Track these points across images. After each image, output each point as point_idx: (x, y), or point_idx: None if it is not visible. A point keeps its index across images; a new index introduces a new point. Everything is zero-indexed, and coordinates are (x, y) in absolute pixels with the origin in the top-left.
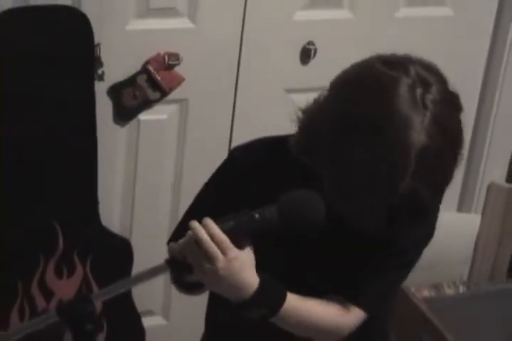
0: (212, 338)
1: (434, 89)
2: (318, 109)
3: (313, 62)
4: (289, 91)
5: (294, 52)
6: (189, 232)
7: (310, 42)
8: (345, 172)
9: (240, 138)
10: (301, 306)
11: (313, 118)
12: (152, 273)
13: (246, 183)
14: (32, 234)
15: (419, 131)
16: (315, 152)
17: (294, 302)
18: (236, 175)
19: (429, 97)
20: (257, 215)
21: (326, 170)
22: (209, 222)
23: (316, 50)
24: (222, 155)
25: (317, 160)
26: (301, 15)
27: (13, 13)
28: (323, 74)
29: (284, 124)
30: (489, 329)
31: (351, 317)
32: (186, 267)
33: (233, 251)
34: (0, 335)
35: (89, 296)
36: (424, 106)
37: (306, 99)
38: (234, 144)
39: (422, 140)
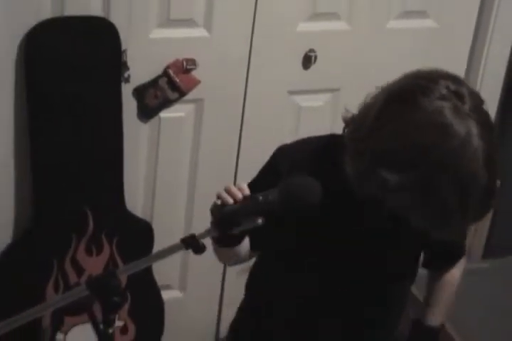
0: (257, 318)
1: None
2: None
3: (313, 67)
4: (292, 93)
5: (297, 58)
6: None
7: (311, 50)
8: (439, 205)
9: (249, 134)
10: (438, 307)
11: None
12: (169, 251)
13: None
14: (66, 218)
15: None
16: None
17: (433, 313)
18: (274, 172)
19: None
20: (260, 197)
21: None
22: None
23: (316, 57)
24: (233, 148)
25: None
26: (304, 26)
27: (50, 22)
28: (322, 78)
29: (286, 122)
30: (466, 304)
31: (456, 276)
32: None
33: None
34: (38, 306)
35: (115, 272)
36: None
37: (307, 99)
38: (243, 139)
39: (480, 145)
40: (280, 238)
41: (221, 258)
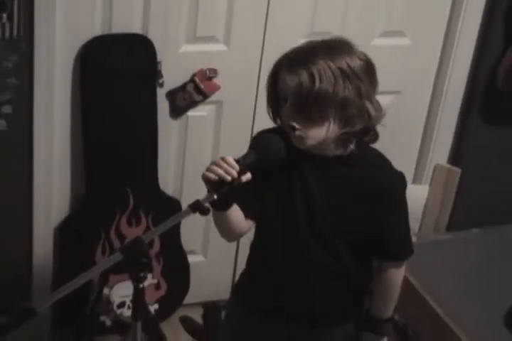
0: (250, 275)
1: None
2: None
3: None
4: None
5: None
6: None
7: None
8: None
9: (259, 128)
10: (386, 307)
11: None
12: (180, 216)
13: None
14: (112, 196)
15: None
16: None
17: (385, 313)
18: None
19: None
20: (240, 158)
21: None
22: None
23: None
24: (246, 140)
25: None
26: (304, 41)
27: (100, 38)
28: None
29: None
30: (434, 270)
31: (401, 274)
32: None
33: None
34: (89, 270)
35: (141, 238)
36: None
37: None
38: (254, 133)
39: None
40: (256, 204)
41: (220, 232)
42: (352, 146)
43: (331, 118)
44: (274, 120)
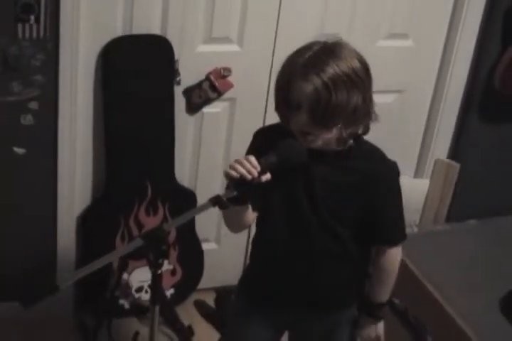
0: (255, 268)
1: None
2: None
3: None
4: None
5: None
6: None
7: None
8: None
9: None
10: (382, 292)
11: None
12: (200, 208)
13: (262, 148)
14: (132, 188)
15: None
16: None
17: (379, 296)
18: (256, 144)
19: None
20: (262, 159)
21: None
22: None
23: None
24: None
25: None
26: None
27: (121, 39)
28: None
29: None
30: (434, 258)
31: (398, 258)
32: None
33: None
34: (109, 254)
35: (162, 226)
36: None
37: None
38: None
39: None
40: (262, 196)
41: (229, 224)
42: (351, 141)
43: (341, 123)
44: (283, 122)
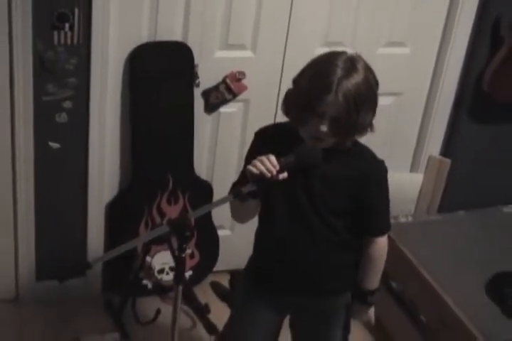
0: (259, 259)
1: None
2: None
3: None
4: None
5: None
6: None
7: None
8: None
9: None
10: (372, 280)
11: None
12: (222, 200)
13: (264, 147)
14: (155, 179)
15: None
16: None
17: (371, 285)
18: (257, 143)
19: None
20: (282, 159)
21: None
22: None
23: None
24: None
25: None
26: (320, 49)
27: (146, 45)
28: None
29: None
30: (426, 245)
31: (385, 246)
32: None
33: None
34: (135, 239)
35: (187, 215)
36: None
37: None
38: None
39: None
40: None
41: (236, 215)
42: (349, 143)
43: (353, 135)
44: (295, 123)
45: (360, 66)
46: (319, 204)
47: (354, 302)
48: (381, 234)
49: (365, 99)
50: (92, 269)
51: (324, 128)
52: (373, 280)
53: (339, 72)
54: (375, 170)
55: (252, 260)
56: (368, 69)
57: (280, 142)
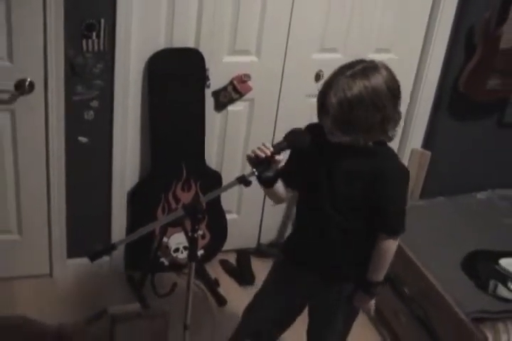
0: (290, 236)
1: None
2: None
3: (321, 80)
4: (308, 96)
5: (311, 75)
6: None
7: (320, 70)
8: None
9: (281, 119)
10: (378, 273)
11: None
12: (229, 186)
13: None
14: (171, 169)
15: None
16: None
17: (375, 276)
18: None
19: None
20: (275, 144)
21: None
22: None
23: (323, 74)
24: (270, 128)
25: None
26: (316, 55)
27: (163, 51)
28: None
29: (305, 114)
30: (409, 227)
31: (394, 244)
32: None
33: None
34: (152, 223)
35: (199, 199)
36: None
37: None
38: (277, 123)
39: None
40: (294, 177)
41: (269, 198)
42: (363, 142)
43: (357, 134)
44: (318, 118)
45: (373, 73)
46: (337, 195)
47: (358, 291)
48: (392, 233)
49: (362, 102)
50: (116, 250)
51: (328, 121)
52: (377, 273)
53: (347, 74)
54: (390, 170)
55: (288, 237)
56: (385, 79)
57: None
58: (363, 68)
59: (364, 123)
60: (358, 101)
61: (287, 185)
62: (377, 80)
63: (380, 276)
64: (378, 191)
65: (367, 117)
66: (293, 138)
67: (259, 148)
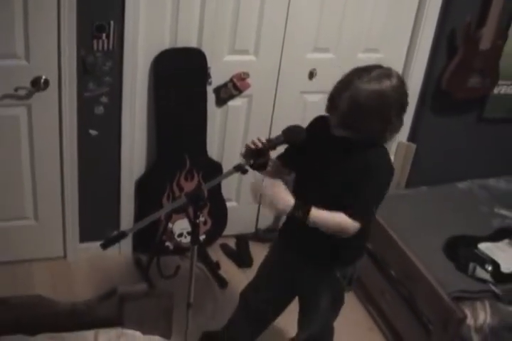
0: (284, 229)
1: None
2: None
3: (314, 78)
4: (303, 92)
5: (305, 73)
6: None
7: (313, 69)
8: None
9: (277, 114)
10: (322, 214)
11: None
12: (227, 174)
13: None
14: (175, 160)
15: None
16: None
17: (316, 212)
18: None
19: None
20: (272, 138)
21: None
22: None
23: (316, 72)
24: (267, 121)
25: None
26: (310, 55)
27: (168, 51)
28: (319, 85)
29: (299, 110)
30: (397, 214)
31: (353, 224)
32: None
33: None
34: (159, 211)
35: (201, 187)
36: None
37: (311, 97)
38: (274, 118)
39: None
40: (294, 160)
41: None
42: (359, 138)
43: (357, 134)
44: (327, 111)
45: (386, 80)
46: (326, 184)
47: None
48: (351, 215)
49: (371, 110)
50: (127, 237)
51: (334, 116)
52: (320, 219)
53: (364, 78)
54: (374, 165)
55: (283, 222)
56: (394, 87)
57: (314, 130)
58: (378, 75)
59: (367, 127)
60: (367, 109)
61: (285, 164)
62: (390, 90)
63: (317, 219)
64: (359, 182)
65: (371, 123)
66: (290, 134)
67: (252, 141)
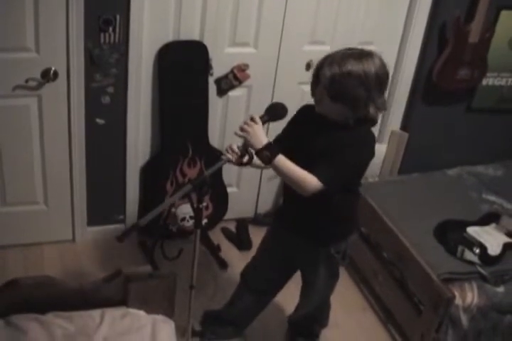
0: (281, 208)
1: None
2: None
3: (311, 70)
4: (300, 83)
5: (303, 64)
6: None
7: (310, 60)
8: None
9: None
10: (287, 162)
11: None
12: (220, 164)
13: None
14: (178, 148)
15: None
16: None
17: (283, 158)
18: (295, 116)
19: None
20: (260, 116)
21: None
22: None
23: (313, 64)
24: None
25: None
26: (307, 47)
27: (171, 44)
28: None
29: (296, 99)
30: (388, 198)
31: (313, 180)
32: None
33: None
34: (167, 200)
35: (205, 173)
36: None
37: (307, 87)
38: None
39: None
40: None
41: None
42: (351, 121)
43: (342, 105)
44: (311, 91)
45: (367, 58)
46: (311, 147)
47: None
48: (316, 175)
49: (350, 77)
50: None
51: (320, 89)
52: (284, 165)
53: (345, 53)
54: (351, 141)
55: (279, 206)
56: (376, 66)
57: (302, 116)
58: (360, 52)
59: (350, 94)
60: (347, 76)
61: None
62: (369, 65)
63: (280, 164)
64: (333, 154)
65: (354, 89)
66: (272, 111)
67: (246, 123)
